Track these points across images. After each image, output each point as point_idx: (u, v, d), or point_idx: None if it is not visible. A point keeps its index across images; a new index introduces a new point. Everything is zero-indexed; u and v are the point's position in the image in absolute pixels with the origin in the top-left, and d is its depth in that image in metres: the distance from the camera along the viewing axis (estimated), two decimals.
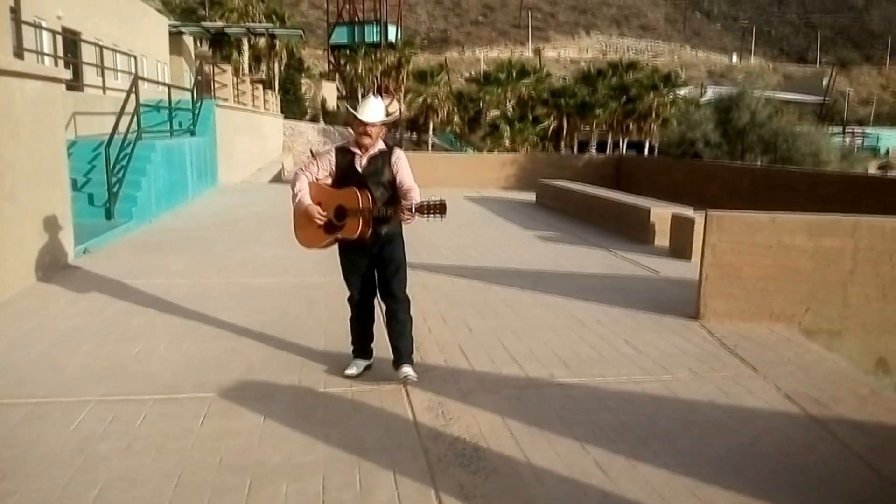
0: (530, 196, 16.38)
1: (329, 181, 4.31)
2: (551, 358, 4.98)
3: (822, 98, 67.71)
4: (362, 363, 4.59)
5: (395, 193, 4.23)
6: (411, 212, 3.96)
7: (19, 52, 8.72)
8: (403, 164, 4.27)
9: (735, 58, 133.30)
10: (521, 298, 6.68)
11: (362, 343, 4.61)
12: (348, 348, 4.70)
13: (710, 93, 36.60)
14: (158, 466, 3.37)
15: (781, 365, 4.92)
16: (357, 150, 4.23)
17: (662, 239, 9.72)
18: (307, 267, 7.51)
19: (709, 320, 5.84)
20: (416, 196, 4.08)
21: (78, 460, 3.41)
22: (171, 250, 8.69)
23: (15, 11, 8.74)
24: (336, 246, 4.36)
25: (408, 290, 4.41)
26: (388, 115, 4.26)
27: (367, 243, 4.23)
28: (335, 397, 4.23)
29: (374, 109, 4.16)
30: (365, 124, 4.14)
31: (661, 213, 9.84)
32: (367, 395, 4.25)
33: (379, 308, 4.63)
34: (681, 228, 9.05)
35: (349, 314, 4.56)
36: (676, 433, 3.84)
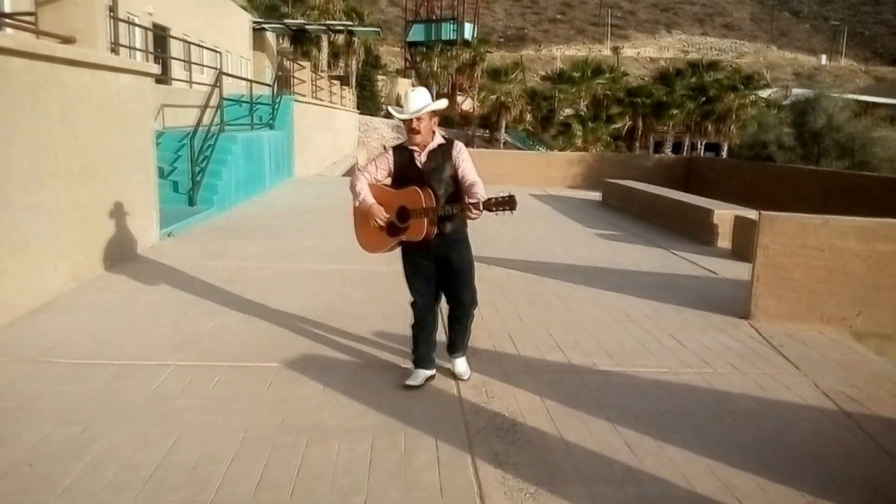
0: (596, 195, 16.46)
1: (388, 181, 4.16)
2: (595, 348, 5.20)
3: None
4: (423, 374, 4.35)
5: (457, 189, 4.03)
6: (479, 209, 3.74)
7: (115, 47, 9.41)
8: (465, 158, 4.08)
9: (824, 59, 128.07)
10: (573, 292, 6.89)
11: (425, 352, 4.39)
12: (404, 329, 5.03)
13: (795, 95, 35.54)
14: (227, 422, 3.78)
15: (824, 364, 5.00)
16: (414, 148, 4.06)
17: (725, 241, 9.73)
18: (371, 256, 7.88)
19: (758, 320, 5.92)
20: (481, 190, 3.88)
21: (157, 414, 3.86)
22: (247, 236, 9.25)
23: (112, 10, 9.43)
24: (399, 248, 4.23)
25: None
26: (432, 101, 4.02)
27: (433, 245, 4.05)
28: (388, 372, 4.57)
29: (413, 102, 3.95)
30: (409, 121, 3.97)
31: (724, 215, 9.84)
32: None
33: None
34: (743, 230, 9.05)
35: (411, 320, 4.39)
36: (707, 421, 4.02)
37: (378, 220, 4.03)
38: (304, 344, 5.07)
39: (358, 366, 4.70)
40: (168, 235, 8.74)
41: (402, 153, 4.13)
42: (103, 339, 5.02)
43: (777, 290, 5.89)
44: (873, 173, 15.37)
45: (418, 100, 3.97)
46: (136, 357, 4.71)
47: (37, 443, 3.49)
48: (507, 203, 3.73)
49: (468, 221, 4.08)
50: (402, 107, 4.02)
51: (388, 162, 4.14)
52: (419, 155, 4.06)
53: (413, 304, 4.34)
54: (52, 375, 4.33)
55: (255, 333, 5.28)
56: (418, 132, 3.99)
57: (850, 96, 26.62)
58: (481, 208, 3.73)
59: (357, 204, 4.12)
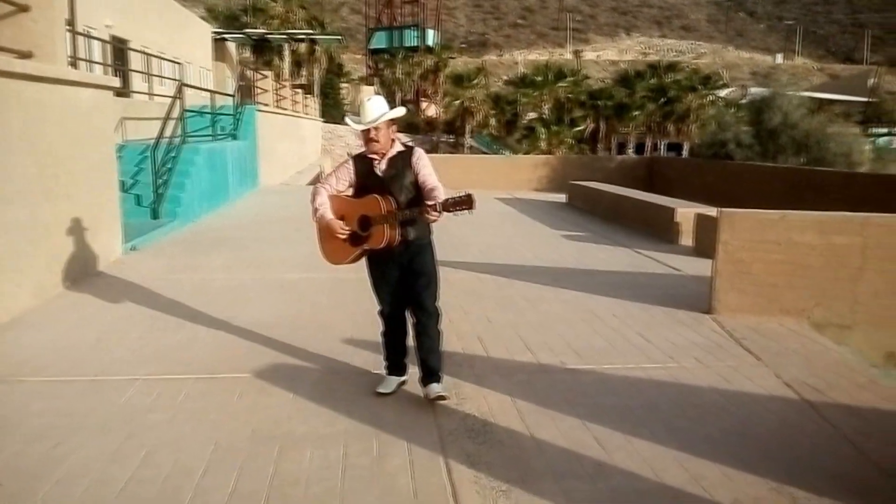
0: (561, 197, 16.63)
1: (350, 192, 4.13)
2: (564, 348, 5.27)
3: (867, 98, 66.19)
4: (395, 380, 4.37)
5: (419, 195, 4.01)
6: (437, 210, 3.73)
7: (73, 61, 9.29)
8: (425, 164, 4.07)
9: (780, 58, 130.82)
10: (541, 294, 6.96)
11: (396, 358, 4.39)
12: (374, 336, 5.03)
13: (752, 94, 36.28)
14: (198, 434, 3.77)
15: (785, 355, 5.14)
16: (374, 156, 4.05)
17: (687, 238, 9.90)
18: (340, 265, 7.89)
19: (721, 314, 6.06)
20: (440, 195, 3.86)
21: (127, 428, 3.83)
22: (213, 248, 9.17)
23: (71, 24, 9.31)
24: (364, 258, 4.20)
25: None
26: (388, 109, 4.00)
27: (396, 251, 4.04)
28: (360, 379, 4.58)
29: (370, 110, 3.94)
30: (366, 131, 3.96)
31: (686, 213, 10.03)
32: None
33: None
34: (705, 228, 9.23)
35: (381, 328, 4.39)
36: (674, 414, 4.11)
37: (339, 234, 4.03)
38: (273, 354, 5.06)
39: (328, 373, 4.70)
40: (132, 249, 8.63)
41: (363, 162, 4.11)
42: (71, 356, 4.96)
43: (738, 284, 6.03)
44: (829, 168, 15.78)
45: (374, 109, 3.96)
46: (105, 372, 4.66)
47: (7, 460, 3.45)
48: (465, 202, 3.71)
49: (433, 227, 4.08)
50: (359, 116, 4.02)
51: (348, 172, 4.12)
52: (378, 163, 4.05)
53: (381, 313, 4.35)
54: (20, 393, 4.28)
55: (223, 345, 5.25)
56: (376, 141, 3.98)
57: (805, 94, 27.24)
58: (439, 209, 3.72)
59: (316, 218, 4.11)
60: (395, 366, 4.40)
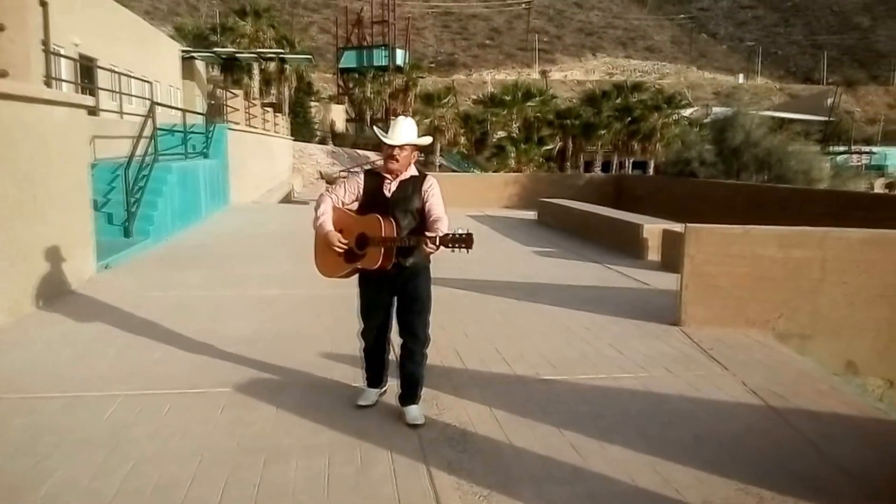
0: (532, 214, 16.88)
1: (355, 206, 4.10)
2: (539, 359, 5.42)
3: (826, 117, 68.08)
4: (375, 392, 4.41)
5: (422, 222, 3.99)
6: (435, 243, 3.70)
7: (47, 80, 9.29)
8: (435, 193, 4.03)
9: (741, 78, 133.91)
10: (516, 308, 7.12)
11: (376, 373, 4.42)
12: (352, 350, 5.13)
13: (715, 113, 37.14)
14: (183, 448, 3.83)
15: (751, 365, 5.34)
16: (387, 175, 4.03)
17: (655, 254, 10.16)
18: (316, 280, 7.94)
19: (689, 326, 6.26)
20: (443, 227, 3.85)
21: (112, 443, 3.87)
22: (188, 266, 9.18)
23: (45, 43, 9.32)
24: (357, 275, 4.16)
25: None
26: (418, 136, 4.04)
27: (391, 275, 3.99)
28: (341, 392, 4.67)
29: (403, 131, 3.96)
30: (392, 147, 3.95)
31: (653, 229, 10.29)
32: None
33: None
34: (671, 243, 9.48)
35: (361, 344, 4.37)
36: (646, 421, 4.27)
37: (335, 247, 3.97)
38: (255, 369, 5.12)
39: (310, 387, 4.78)
40: (105, 268, 8.61)
41: (373, 178, 4.09)
42: (50, 373, 4.97)
43: (704, 297, 6.25)
44: (790, 185, 16.27)
45: (406, 131, 3.97)
46: (85, 389, 4.68)
47: None
48: (465, 241, 3.67)
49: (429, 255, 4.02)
50: (386, 133, 4.00)
51: (357, 186, 4.08)
52: (389, 183, 4.02)
53: (363, 334, 4.29)
54: (0, 410, 4.28)
55: (203, 361, 5.29)
56: (397, 161, 3.97)
57: (766, 113, 28.00)
58: (437, 243, 3.69)
59: (315, 227, 4.07)
60: (375, 378, 4.44)
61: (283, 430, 4.06)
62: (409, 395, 4.22)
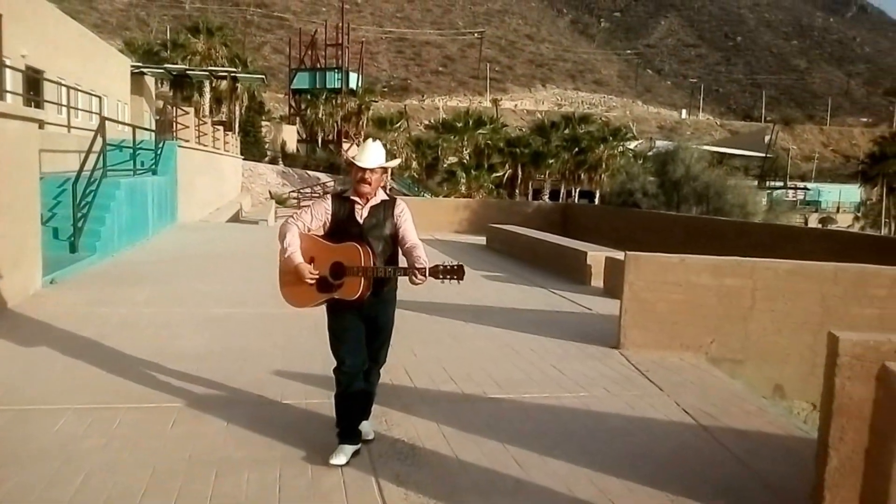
0: (481, 239, 17.18)
1: (322, 232, 3.92)
2: (486, 379, 5.61)
3: (764, 154, 70.86)
4: (350, 449, 3.93)
5: (395, 249, 3.91)
6: (424, 275, 3.63)
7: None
8: (407, 218, 3.94)
9: (684, 113, 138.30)
10: (464, 330, 7.31)
11: (351, 423, 3.97)
12: (303, 367, 5.25)
13: (658, 146, 38.33)
14: (135, 460, 3.88)
15: (684, 386, 5.64)
16: (357, 199, 3.88)
17: (598, 280, 10.50)
18: (265, 299, 8.02)
19: (627, 349, 6.54)
20: (423, 254, 3.79)
21: (63, 454, 3.90)
22: (135, 282, 9.12)
23: None
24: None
25: None
26: (389, 159, 3.97)
27: (367, 303, 3.84)
28: (292, 408, 4.77)
29: (374, 154, 3.84)
30: (363, 170, 3.81)
31: (597, 257, 10.65)
32: (320, 407, 4.77)
33: None
34: (614, 270, 9.83)
35: (335, 389, 3.98)
36: (585, 438, 4.49)
37: (306, 279, 3.76)
38: (205, 384, 5.18)
39: (261, 402, 4.87)
40: (51, 283, 8.50)
41: (342, 204, 3.90)
42: None
43: (642, 322, 6.55)
44: (726, 218, 16.98)
45: (377, 154, 3.86)
46: (34, 402, 4.68)
47: None
48: (456, 272, 3.63)
49: (399, 281, 3.95)
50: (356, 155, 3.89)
51: (325, 212, 3.89)
52: (360, 209, 3.87)
53: (339, 369, 3.93)
54: None
55: (153, 376, 5.32)
56: (368, 184, 3.83)
57: (707, 147, 29.08)
58: (427, 275, 3.62)
59: (284, 258, 3.82)
60: (350, 432, 3.97)
61: (234, 444, 4.14)
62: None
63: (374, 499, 3.55)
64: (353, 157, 3.86)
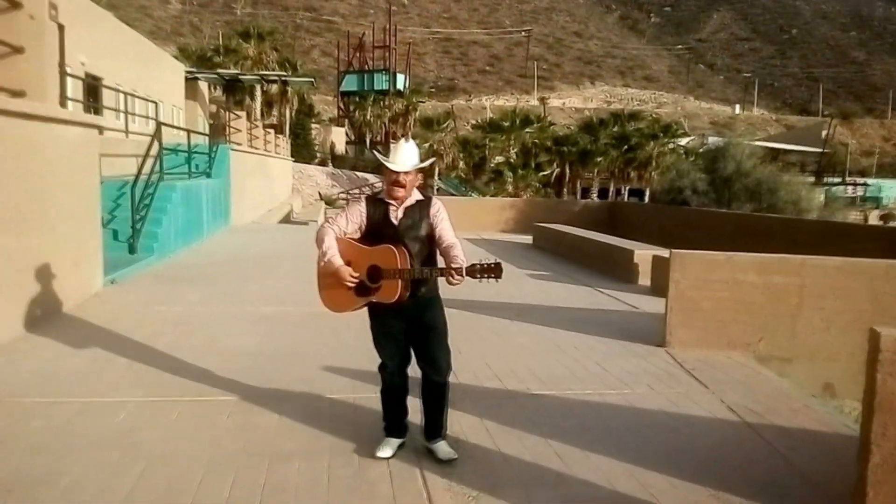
0: (527, 238, 17.20)
1: (358, 235, 3.89)
2: (529, 375, 5.68)
3: (821, 149, 68.94)
4: (396, 442, 4.05)
5: (432, 249, 3.87)
6: (461, 274, 3.59)
7: (62, 100, 9.62)
8: (444, 217, 3.86)
9: (738, 109, 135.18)
10: (508, 327, 7.39)
11: (397, 419, 4.08)
12: (352, 364, 5.41)
13: (710, 143, 37.67)
14: (191, 450, 4.08)
15: (729, 384, 5.61)
16: (391, 201, 3.83)
17: (645, 279, 10.45)
18: (313, 298, 8.20)
19: (673, 348, 6.53)
20: (460, 253, 3.72)
21: (123, 444, 4.12)
22: (190, 282, 9.46)
23: (61, 65, 9.67)
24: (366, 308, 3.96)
25: None
26: (422, 160, 3.87)
27: (406, 305, 3.81)
28: (339, 402, 4.93)
29: (406, 155, 3.77)
30: (397, 173, 3.75)
31: (644, 255, 10.60)
32: (368, 401, 4.91)
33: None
34: (661, 269, 9.76)
35: (379, 385, 4.13)
36: (627, 433, 4.53)
37: (347, 282, 3.76)
38: (257, 379, 5.38)
39: (311, 396, 5.04)
40: (112, 283, 8.88)
41: (377, 206, 3.86)
42: (62, 380, 5.23)
43: (688, 320, 6.53)
44: (777, 215, 16.63)
45: (410, 155, 3.80)
46: (96, 394, 4.94)
47: (13, 471, 3.72)
48: (493, 270, 3.60)
49: (440, 283, 3.90)
50: (387, 156, 3.84)
51: (360, 215, 3.86)
52: (395, 210, 3.82)
53: (382, 368, 4.05)
54: (19, 413, 4.54)
55: (209, 371, 5.55)
56: (403, 186, 3.77)
57: (760, 143, 28.48)
58: (464, 274, 3.59)
59: (322, 262, 3.81)
60: (396, 427, 4.08)
61: (285, 436, 4.32)
62: (435, 429, 4.06)
63: (418, 489, 3.67)
64: (384, 160, 3.81)
